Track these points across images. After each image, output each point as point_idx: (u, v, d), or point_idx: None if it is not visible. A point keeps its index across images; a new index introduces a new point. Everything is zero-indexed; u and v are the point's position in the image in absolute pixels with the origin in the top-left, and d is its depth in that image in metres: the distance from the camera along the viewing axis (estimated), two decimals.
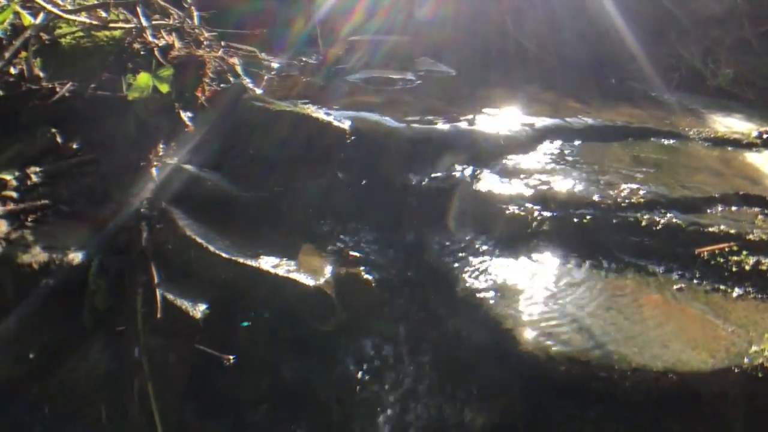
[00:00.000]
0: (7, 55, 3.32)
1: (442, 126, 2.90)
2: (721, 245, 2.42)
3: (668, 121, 3.50)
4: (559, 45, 4.96)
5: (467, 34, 5.42)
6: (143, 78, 2.71)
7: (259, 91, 3.31)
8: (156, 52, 3.08)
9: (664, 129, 3.40)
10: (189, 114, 2.88)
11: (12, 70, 3.33)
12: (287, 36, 4.76)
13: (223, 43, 3.67)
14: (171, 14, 3.82)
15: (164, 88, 2.67)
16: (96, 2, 3.49)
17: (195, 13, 3.75)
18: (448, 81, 4.06)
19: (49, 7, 3.25)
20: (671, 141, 3.26)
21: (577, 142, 3.07)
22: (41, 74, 3.22)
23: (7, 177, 2.88)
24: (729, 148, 3.26)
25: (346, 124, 2.79)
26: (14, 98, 3.27)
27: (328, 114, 2.89)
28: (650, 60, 4.59)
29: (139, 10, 3.30)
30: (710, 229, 2.48)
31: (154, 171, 2.56)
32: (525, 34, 4.96)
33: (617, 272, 2.36)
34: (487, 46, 5.31)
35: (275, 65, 4.02)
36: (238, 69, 3.50)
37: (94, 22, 3.30)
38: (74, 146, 3.03)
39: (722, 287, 2.29)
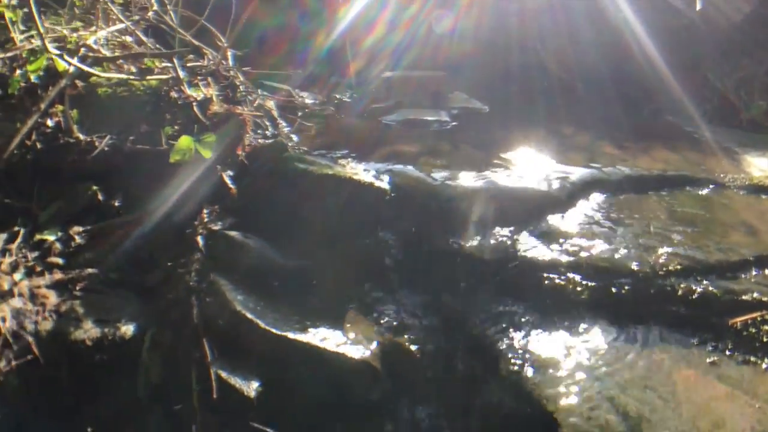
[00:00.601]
0: (42, 105, 3.43)
1: (481, 184, 3.00)
2: (754, 314, 2.52)
3: (703, 166, 3.60)
4: (585, 71, 5.07)
5: (487, 47, 5.56)
6: (185, 141, 2.82)
7: (295, 138, 3.44)
8: (195, 108, 3.20)
9: (700, 176, 3.50)
10: (230, 172, 3.00)
11: (49, 122, 3.45)
12: (310, 52, 4.90)
13: (260, 92, 3.77)
14: (205, 54, 3.96)
15: (207, 154, 2.80)
16: (133, 52, 3.60)
17: (229, 54, 3.86)
18: (481, 120, 4.19)
19: (79, 64, 3.32)
20: (706, 190, 3.37)
21: (614, 196, 3.15)
22: (79, 131, 3.29)
23: (50, 237, 3.01)
24: (763, 197, 3.37)
25: (386, 183, 2.90)
26: (53, 151, 3.37)
27: (367, 171, 3.04)
28: (683, 89, 4.70)
29: (175, 59, 3.38)
30: (744, 297, 2.58)
31: (200, 240, 2.69)
32: (555, 63, 5.07)
33: (653, 345, 2.47)
34: (507, 59, 5.45)
35: (309, 101, 4.17)
36: (275, 113, 3.63)
37: (131, 77, 3.38)
38: (116, 203, 3.15)
39: (753, 359, 2.40)
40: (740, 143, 4.11)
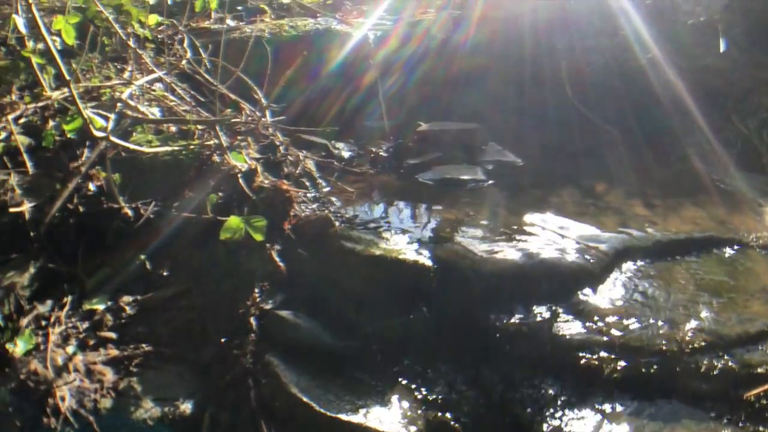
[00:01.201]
0: (83, 168, 3.64)
1: (520, 257, 3.24)
2: (765, 387, 2.75)
3: (729, 224, 3.84)
4: (611, 112, 5.30)
5: (502, 60, 5.81)
6: (235, 221, 3.05)
7: (337, 203, 3.69)
8: (240, 180, 3.44)
9: (725, 236, 3.75)
10: (277, 247, 3.24)
11: (91, 186, 3.65)
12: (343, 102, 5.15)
13: (299, 153, 4.01)
14: (243, 109, 4.20)
15: (258, 237, 3.02)
16: (174, 119, 3.83)
17: (268, 112, 4.09)
18: (516, 175, 4.50)
19: (121, 142, 3.52)
20: (731, 252, 3.63)
21: (645, 265, 3.39)
22: (122, 197, 3.50)
23: (99, 307, 3.19)
24: None
25: (429, 259, 3.14)
26: (96, 216, 3.58)
27: (410, 245, 3.31)
28: (709, 132, 4.92)
29: (218, 129, 3.62)
30: (759, 370, 2.81)
31: (253, 321, 2.95)
32: (581, 104, 5.31)
33: (676, 421, 2.69)
34: (521, 71, 5.69)
35: (346, 154, 4.42)
36: (314, 173, 3.88)
37: (175, 148, 3.61)
38: (165, 273, 3.38)
39: (761, 429, 2.65)
40: (763, 192, 4.36)
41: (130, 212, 3.36)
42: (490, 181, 4.21)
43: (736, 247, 3.67)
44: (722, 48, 5.14)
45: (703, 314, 3.08)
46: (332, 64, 5.26)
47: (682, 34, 5.38)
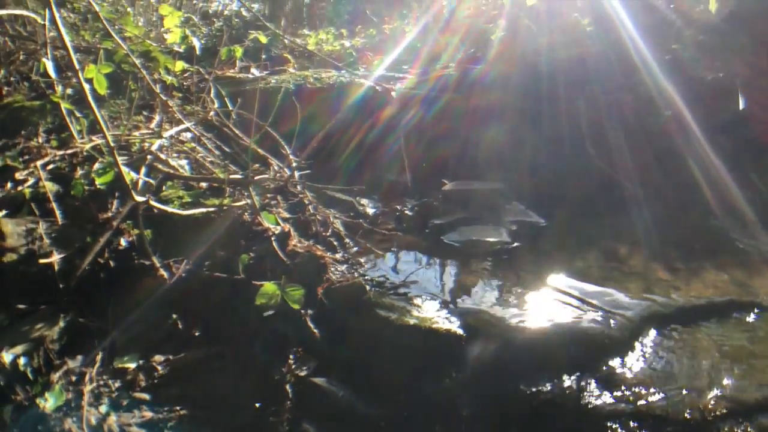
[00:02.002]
0: (114, 223, 3.72)
1: (549, 326, 3.34)
2: None
3: (749, 287, 3.93)
4: (632, 168, 5.40)
5: (519, 96, 5.92)
6: (270, 288, 3.14)
7: (366, 264, 3.75)
8: (274, 243, 3.53)
9: (746, 300, 3.86)
10: (311, 312, 3.33)
11: (122, 241, 3.74)
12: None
13: (328, 212, 4.11)
14: (271, 165, 4.30)
15: (296, 306, 3.11)
16: (207, 177, 3.94)
17: (296, 173, 4.20)
18: (540, 236, 4.58)
19: (156, 204, 3.59)
20: (752, 316, 3.72)
21: (669, 332, 3.47)
22: (154, 254, 3.59)
23: (131, 365, 3.27)
24: None
25: (460, 328, 3.23)
26: (127, 271, 3.66)
27: (440, 311, 3.41)
28: (729, 186, 5.02)
29: (251, 190, 3.72)
30: None
31: (288, 388, 3.03)
32: (603, 160, 5.41)
33: None
34: (539, 108, 5.80)
35: (371, 211, 4.52)
36: (342, 232, 3.98)
37: (209, 209, 3.71)
38: (196, 333, 3.46)
39: None
40: None
41: (165, 273, 3.40)
42: (515, 244, 4.30)
43: (756, 311, 3.76)
44: (741, 105, 5.22)
45: (725, 381, 3.16)
46: (355, 115, 5.35)
47: (701, 90, 5.43)
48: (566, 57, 5.87)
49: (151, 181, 3.74)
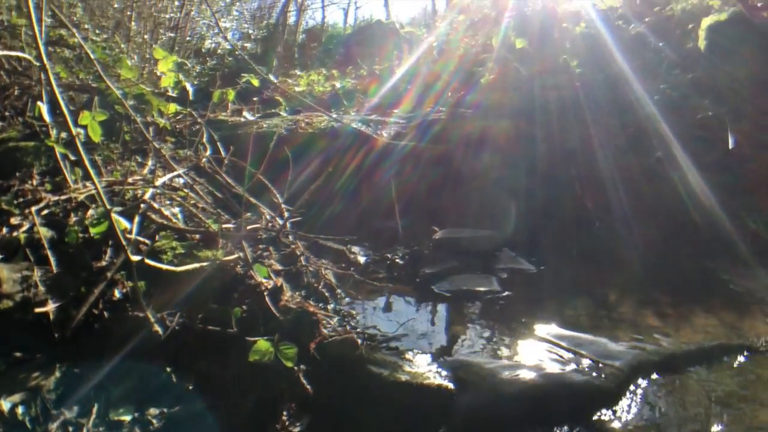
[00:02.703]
0: (108, 274, 3.76)
1: (537, 378, 3.37)
2: None
3: (739, 330, 4.02)
4: (623, 208, 5.47)
5: (511, 123, 5.99)
6: (264, 345, 3.18)
7: (357, 316, 3.80)
8: (267, 298, 3.58)
9: (735, 343, 3.93)
10: (303, 367, 3.38)
11: (116, 293, 3.78)
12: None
13: (319, 263, 4.16)
14: (263, 214, 4.35)
15: (289, 364, 3.16)
16: (202, 230, 3.99)
17: (288, 224, 4.25)
18: (530, 283, 4.65)
19: (150, 262, 3.62)
20: (742, 359, 3.78)
21: (659, 380, 3.52)
22: (147, 307, 3.61)
23: (126, 418, 3.30)
24: None
25: (450, 382, 3.27)
26: (121, 322, 3.69)
27: (431, 365, 3.43)
28: (719, 226, 5.08)
29: (244, 244, 3.77)
30: None
31: None
32: (590, 201, 5.48)
33: None
34: (532, 135, 5.87)
35: (362, 259, 4.57)
36: (333, 283, 4.02)
37: (202, 264, 3.76)
38: (189, 387, 3.49)
39: None
40: None
41: (159, 328, 3.43)
42: (506, 293, 4.36)
43: (746, 354, 3.83)
44: (731, 144, 5.31)
45: (714, 428, 3.22)
46: (346, 161, 5.42)
47: (690, 129, 5.52)
48: (556, 98, 5.93)
49: (146, 240, 3.75)
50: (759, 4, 5.80)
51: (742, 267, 4.77)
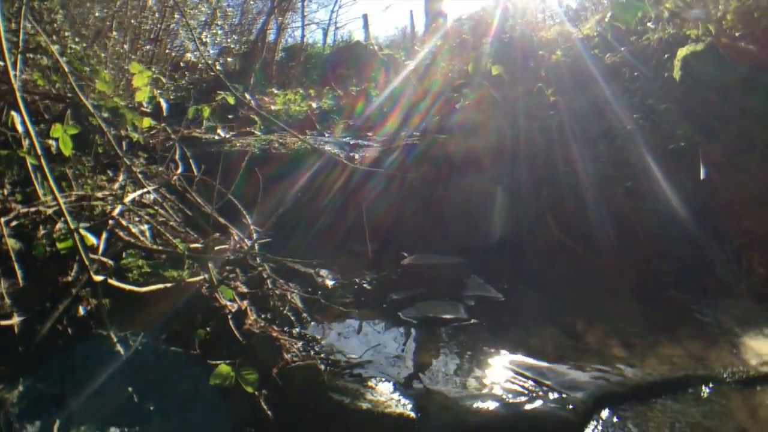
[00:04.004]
0: (74, 291, 3.70)
1: (502, 409, 3.35)
2: None
3: (705, 361, 4.01)
4: (592, 236, 5.47)
5: (497, 139, 5.98)
6: (225, 369, 3.13)
7: (322, 341, 3.75)
8: (230, 321, 3.52)
9: (701, 374, 3.89)
10: (265, 392, 3.32)
11: (81, 310, 3.71)
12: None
13: (286, 286, 4.11)
14: (232, 235, 4.30)
15: (250, 389, 3.10)
16: (168, 250, 3.93)
17: (256, 246, 4.21)
18: (497, 312, 4.63)
19: (115, 282, 3.57)
20: (707, 390, 3.76)
21: (624, 411, 3.49)
22: (111, 326, 3.55)
23: None
24: (758, 388, 3.78)
25: (413, 412, 3.23)
26: (85, 341, 3.63)
27: (393, 393, 3.41)
28: (689, 255, 5.07)
29: (210, 265, 3.72)
30: None
31: None
32: (556, 225, 5.48)
33: None
34: (516, 150, 5.86)
35: (330, 282, 4.53)
36: (299, 307, 3.98)
37: (165, 284, 3.70)
38: (151, 407, 3.43)
39: None
40: (740, 320, 4.52)
41: (121, 349, 3.37)
42: (473, 320, 4.34)
43: (711, 385, 3.80)
44: (702, 175, 5.32)
45: None
46: (319, 184, 5.39)
47: (663, 159, 5.53)
48: (526, 128, 5.95)
49: (110, 262, 3.69)
50: (737, 34, 5.83)
51: (711, 297, 4.75)
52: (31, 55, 6.19)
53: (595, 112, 6.20)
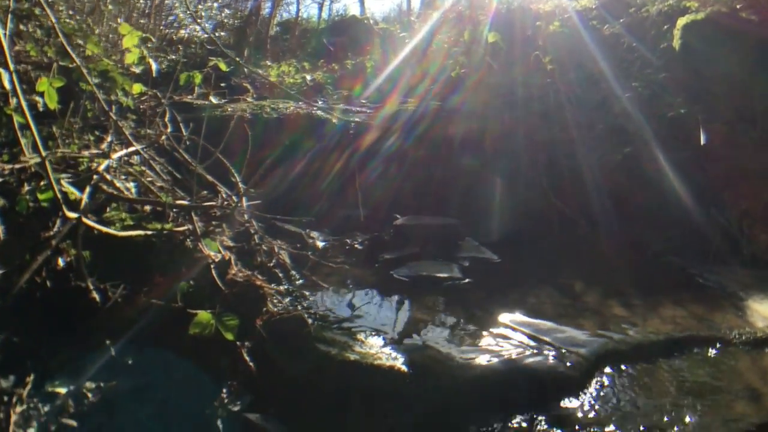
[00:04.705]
0: (53, 242, 3.43)
1: (498, 363, 3.11)
2: None
3: (709, 322, 3.75)
4: (590, 206, 5.20)
5: (496, 123, 5.70)
6: (205, 317, 2.86)
7: (310, 297, 3.48)
8: (213, 271, 3.24)
9: (707, 334, 3.63)
10: (248, 344, 3.04)
11: (60, 261, 3.45)
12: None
13: (274, 243, 3.83)
14: (219, 192, 4.02)
15: (230, 336, 2.84)
16: (150, 200, 3.65)
17: (244, 201, 3.92)
18: (493, 272, 4.39)
19: (93, 224, 3.34)
20: (713, 351, 3.49)
21: (626, 369, 3.22)
22: (90, 278, 3.29)
23: (62, 390, 2.98)
24: (766, 350, 3.52)
25: (404, 365, 2.96)
26: (64, 293, 3.37)
27: (385, 347, 3.15)
28: (688, 222, 4.81)
29: (194, 216, 3.43)
30: None
31: (219, 423, 2.73)
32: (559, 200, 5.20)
33: None
34: (514, 125, 5.57)
35: (320, 243, 4.24)
36: (288, 264, 3.69)
37: (147, 232, 3.42)
38: (129, 362, 3.16)
39: None
40: (744, 285, 4.26)
41: (97, 296, 3.10)
42: (467, 280, 4.13)
43: (718, 345, 3.55)
44: (702, 140, 5.06)
45: (687, 419, 2.93)
46: (311, 148, 5.11)
47: (660, 127, 5.27)
48: (524, 98, 5.68)
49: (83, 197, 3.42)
50: (738, 6, 5.57)
51: (712, 263, 4.46)
52: (24, 26, 5.94)
53: (592, 82, 5.95)
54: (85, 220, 2.98)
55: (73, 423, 2.82)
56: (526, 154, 5.46)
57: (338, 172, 5.21)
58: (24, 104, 3.07)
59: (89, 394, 2.97)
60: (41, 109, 3.96)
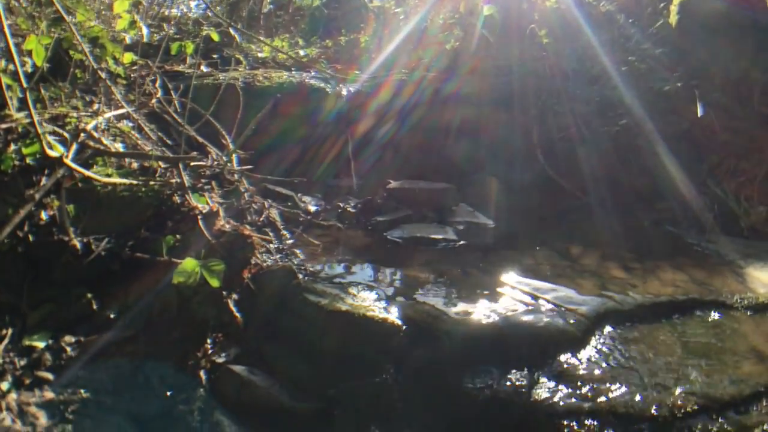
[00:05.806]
0: (37, 196, 3.22)
1: (495, 319, 2.90)
2: None
3: (710, 287, 3.56)
4: (587, 175, 5.00)
5: (492, 109, 5.50)
6: (190, 264, 2.65)
7: (301, 255, 3.28)
8: (200, 222, 3.02)
9: (708, 298, 3.44)
10: (235, 296, 2.82)
11: (43, 215, 3.25)
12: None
13: (264, 202, 3.62)
14: (210, 153, 3.80)
15: (215, 282, 2.62)
16: (136, 152, 3.43)
17: (234, 157, 3.71)
18: (488, 236, 4.18)
19: (79, 167, 3.12)
20: (716, 315, 3.31)
21: (627, 328, 3.03)
22: (74, 231, 3.09)
23: (40, 344, 2.81)
24: None
25: (398, 318, 2.77)
26: (46, 247, 3.17)
27: (378, 302, 2.94)
28: (684, 194, 4.62)
29: (182, 170, 3.22)
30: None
31: (203, 374, 2.51)
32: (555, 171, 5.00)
33: None
34: (512, 119, 5.37)
35: (312, 207, 4.03)
36: (279, 224, 3.47)
37: (133, 181, 3.21)
38: (111, 315, 2.95)
39: None
40: (743, 254, 4.08)
41: (78, 245, 2.88)
42: (462, 242, 3.97)
43: (720, 309, 3.35)
44: (699, 113, 4.86)
45: (693, 377, 2.76)
46: (302, 117, 4.90)
47: (657, 100, 5.07)
48: (519, 74, 5.48)
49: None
50: None
51: (709, 234, 4.27)
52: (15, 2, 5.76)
53: (588, 56, 5.72)
54: (66, 161, 2.80)
55: (49, 376, 2.65)
56: (521, 128, 5.22)
57: (328, 142, 4.97)
58: (16, 56, 2.82)
59: (68, 348, 2.83)
60: (30, 71, 3.77)
